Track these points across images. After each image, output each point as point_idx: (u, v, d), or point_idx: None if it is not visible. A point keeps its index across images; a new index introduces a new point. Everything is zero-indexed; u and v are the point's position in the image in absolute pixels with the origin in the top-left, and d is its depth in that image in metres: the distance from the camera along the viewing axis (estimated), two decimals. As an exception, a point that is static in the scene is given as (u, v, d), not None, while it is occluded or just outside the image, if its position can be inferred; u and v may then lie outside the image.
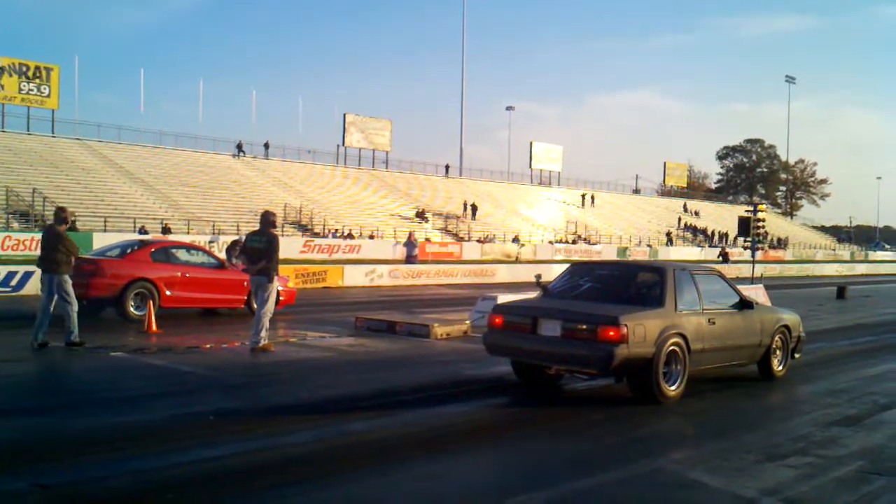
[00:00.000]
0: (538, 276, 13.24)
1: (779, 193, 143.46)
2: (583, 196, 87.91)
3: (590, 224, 78.71)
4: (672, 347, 9.29)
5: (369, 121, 76.97)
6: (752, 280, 31.70)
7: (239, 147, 66.45)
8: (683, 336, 9.44)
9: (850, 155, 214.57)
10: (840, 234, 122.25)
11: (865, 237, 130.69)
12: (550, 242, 65.23)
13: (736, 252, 65.08)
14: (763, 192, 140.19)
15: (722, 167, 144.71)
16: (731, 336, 10.51)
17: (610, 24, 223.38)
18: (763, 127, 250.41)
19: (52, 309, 12.15)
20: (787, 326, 11.68)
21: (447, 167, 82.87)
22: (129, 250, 16.53)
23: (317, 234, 52.41)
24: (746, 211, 34.95)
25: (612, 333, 8.74)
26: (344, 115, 75.15)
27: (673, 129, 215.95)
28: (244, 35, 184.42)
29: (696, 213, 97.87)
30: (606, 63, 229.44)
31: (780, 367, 11.63)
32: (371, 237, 54.07)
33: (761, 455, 7.28)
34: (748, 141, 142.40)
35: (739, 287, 11.64)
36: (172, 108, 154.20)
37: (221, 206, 52.74)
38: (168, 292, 15.77)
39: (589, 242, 69.12)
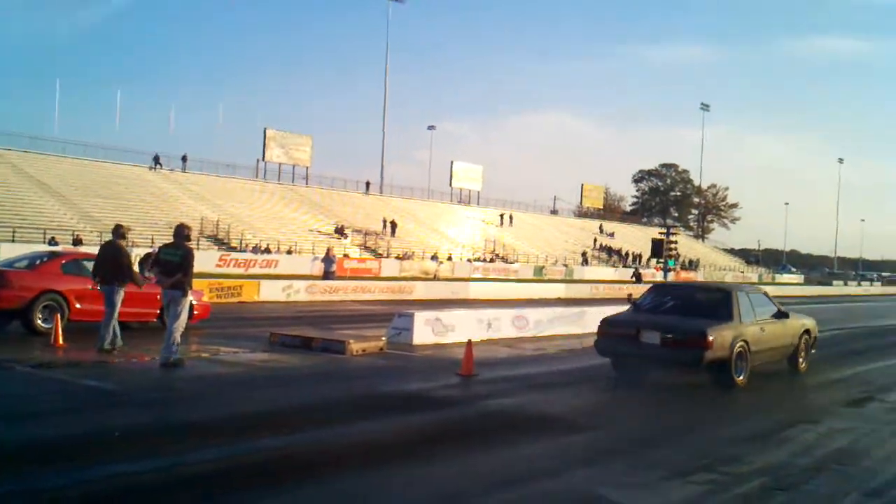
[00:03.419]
0: (630, 295, 17.07)
1: (691, 216, 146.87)
2: (501, 215, 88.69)
3: (508, 243, 79.37)
4: (739, 350, 12.38)
5: (290, 136, 76.43)
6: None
7: (156, 159, 65.22)
8: (746, 342, 12.55)
9: (760, 180, 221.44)
10: (749, 256, 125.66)
11: (773, 260, 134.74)
12: (469, 260, 65.53)
13: (649, 273, 66.34)
14: (676, 215, 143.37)
15: (637, 190, 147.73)
16: (775, 339, 13.81)
17: (528, 47, 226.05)
18: (677, 152, 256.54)
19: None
20: (808, 330, 15.21)
21: (368, 184, 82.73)
22: (38, 262, 16.06)
23: (233, 249, 51.74)
24: (660, 233, 35.82)
25: (701, 343, 11.71)
26: (264, 129, 74.55)
27: (591, 151, 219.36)
28: (163, 46, 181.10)
29: (612, 235, 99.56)
30: (526, 86, 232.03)
31: (803, 363, 15.05)
32: (289, 252, 53.61)
33: (667, 472, 7.43)
34: (663, 165, 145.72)
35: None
36: (88, 119, 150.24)
37: (136, 218, 51.68)
38: (78, 305, 15.34)
39: (506, 261, 69.71)
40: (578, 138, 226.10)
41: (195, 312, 16.74)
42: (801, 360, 14.93)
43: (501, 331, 18.73)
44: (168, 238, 13.51)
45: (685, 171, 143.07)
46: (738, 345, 12.31)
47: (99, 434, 8.00)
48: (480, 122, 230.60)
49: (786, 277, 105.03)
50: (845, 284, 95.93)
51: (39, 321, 15.01)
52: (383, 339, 15.77)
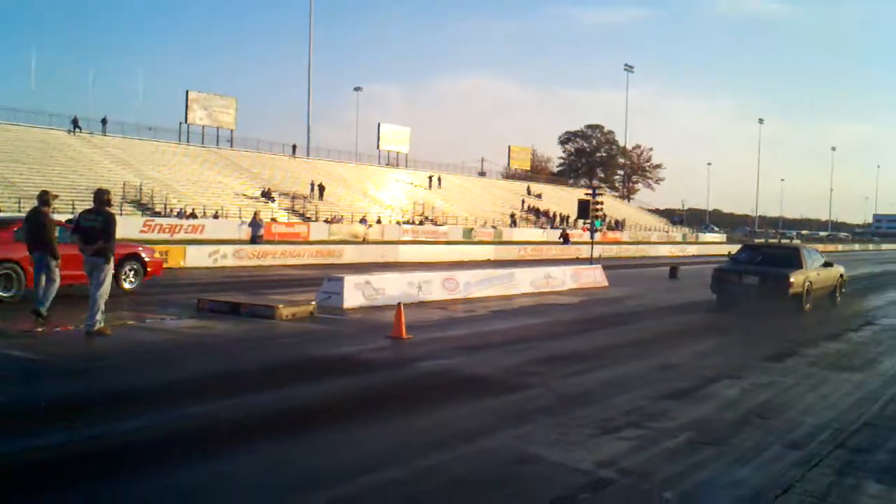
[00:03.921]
0: (730, 253, 24.19)
1: (617, 177, 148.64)
2: (430, 178, 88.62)
3: (436, 206, 79.42)
4: (807, 287, 19.04)
5: (213, 98, 75.00)
6: (590, 261, 32.74)
7: (75, 123, 63.49)
8: (811, 282, 19.25)
9: (684, 141, 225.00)
10: (673, 216, 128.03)
11: (696, 220, 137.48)
12: (398, 223, 65.46)
13: (576, 234, 67.05)
14: (602, 176, 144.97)
15: (564, 151, 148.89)
16: (825, 281, 20.55)
17: (455, 7, 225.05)
18: (603, 113, 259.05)
19: None
20: (842, 275, 22.07)
21: (294, 147, 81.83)
22: None
23: (157, 214, 50.80)
24: (586, 194, 36.05)
25: (786, 282, 18.29)
26: (187, 91, 73.06)
27: (518, 113, 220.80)
28: (81, 6, 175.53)
29: (539, 196, 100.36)
30: (452, 46, 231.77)
31: (839, 298, 21.80)
32: (215, 217, 52.82)
33: (597, 429, 7.56)
34: (589, 126, 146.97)
35: (580, 268, 12.65)
36: (2, 82, 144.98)
37: (56, 183, 50.21)
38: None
39: (435, 223, 69.78)
40: (506, 100, 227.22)
41: (148, 269, 17.76)
42: (837, 296, 21.73)
43: (432, 293, 18.77)
44: (90, 203, 13.11)
45: (611, 133, 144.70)
46: (806, 284, 18.99)
47: (20, 405, 7.81)
48: (407, 83, 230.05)
49: (709, 237, 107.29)
50: (766, 243, 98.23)
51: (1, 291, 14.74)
52: (313, 303, 15.67)
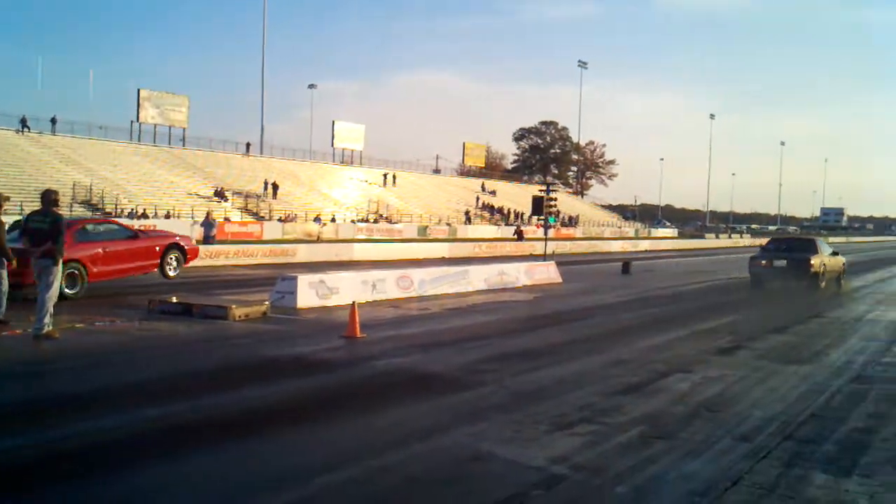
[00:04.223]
0: (761, 245, 29.19)
1: (571, 174, 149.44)
2: (384, 175, 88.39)
3: (391, 203, 79.25)
4: (822, 269, 24.42)
5: (166, 96, 74.03)
6: (544, 257, 32.90)
7: (23, 122, 62.25)
8: (824, 265, 24.65)
9: (637, 137, 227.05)
10: (626, 212, 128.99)
11: (649, 215, 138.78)
12: (352, 221, 65.22)
13: (530, 230, 67.38)
14: (556, 172, 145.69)
15: (518, 148, 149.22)
16: (833, 266, 25.74)
17: (408, 4, 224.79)
18: (557, 109, 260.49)
19: None
20: (844, 263, 27.30)
21: (248, 145, 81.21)
22: None
23: (108, 214, 50.03)
24: (540, 190, 36.26)
25: (808, 264, 23.77)
26: (138, 90, 71.89)
27: (472, 110, 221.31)
28: (28, 2, 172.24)
29: (494, 193, 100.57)
30: (407, 43, 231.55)
31: (843, 282, 26.91)
32: (167, 217, 52.21)
33: (550, 425, 7.61)
34: (543, 123, 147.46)
35: (534, 264, 13.03)
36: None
37: (4, 185, 49.22)
38: None
39: (390, 221, 69.63)
40: (461, 97, 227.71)
41: (188, 256, 20.23)
42: (842, 280, 26.93)
43: (386, 292, 18.75)
44: (38, 205, 12.88)
45: (564, 129, 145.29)
46: (821, 266, 24.56)
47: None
48: (362, 80, 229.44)
49: (661, 232, 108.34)
50: (717, 237, 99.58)
51: None
52: (266, 303, 15.57)
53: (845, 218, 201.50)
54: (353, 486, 5.95)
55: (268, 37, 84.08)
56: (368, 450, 6.78)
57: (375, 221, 68.54)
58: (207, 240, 34.43)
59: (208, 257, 30.69)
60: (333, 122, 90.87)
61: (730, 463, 6.58)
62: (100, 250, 17.24)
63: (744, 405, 8.78)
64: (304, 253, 35.60)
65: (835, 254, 26.22)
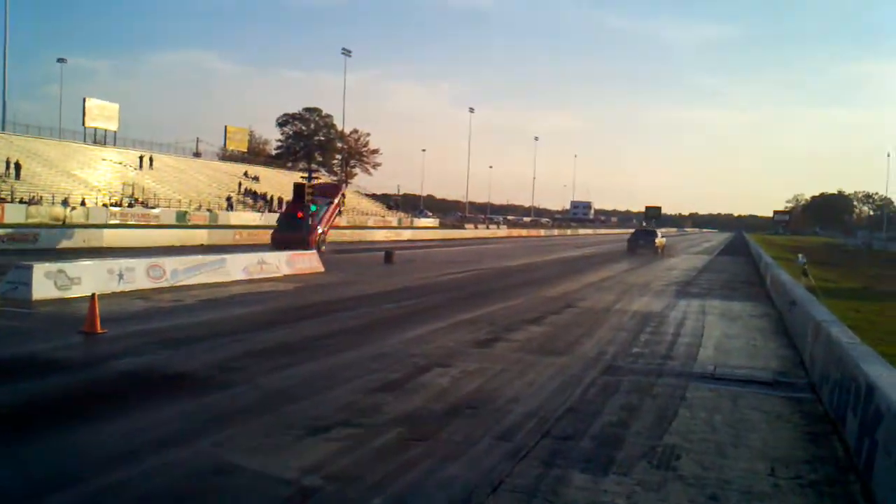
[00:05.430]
0: (632, 232, 61.04)
1: (335, 162, 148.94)
2: (140, 158, 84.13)
3: (148, 187, 75.51)
4: (660, 244, 52.58)
5: None
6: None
7: None
8: (658, 242, 53.40)
9: (400, 127, 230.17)
10: (389, 201, 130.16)
11: (411, 205, 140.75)
12: (105, 205, 61.50)
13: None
14: (321, 159, 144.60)
15: (282, 134, 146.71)
16: (662, 243, 55.61)
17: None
18: (322, 96, 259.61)
19: None
20: (665, 240, 59.12)
21: (-15, 120, 74.73)
22: None
23: None
24: (302, 177, 35.61)
25: (655, 241, 51.37)
26: None
27: (236, 93, 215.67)
28: None
29: (257, 179, 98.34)
30: (161, 19, 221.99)
31: (661, 251, 52.67)
32: None
33: (304, 429, 7.14)
34: (307, 109, 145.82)
35: (295, 253, 12.10)
36: None
37: None
38: None
39: (147, 206, 66.35)
40: (223, 78, 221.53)
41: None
42: (661, 251, 51.39)
43: (135, 282, 17.54)
44: None
45: (329, 116, 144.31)
46: (663, 243, 53.31)
47: None
48: (117, 58, 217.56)
49: (423, 221, 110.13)
50: (476, 228, 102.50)
51: None
52: (-6, 295, 14.08)
53: (592, 211, 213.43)
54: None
55: (11, 3, 77.59)
56: (92, 466, 6.04)
57: (130, 206, 64.99)
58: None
59: (-67, 242, 27.75)
60: (84, 99, 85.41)
61: (490, 465, 6.40)
62: None
63: (503, 401, 8.69)
64: (48, 238, 33.06)
65: (663, 237, 51.84)
